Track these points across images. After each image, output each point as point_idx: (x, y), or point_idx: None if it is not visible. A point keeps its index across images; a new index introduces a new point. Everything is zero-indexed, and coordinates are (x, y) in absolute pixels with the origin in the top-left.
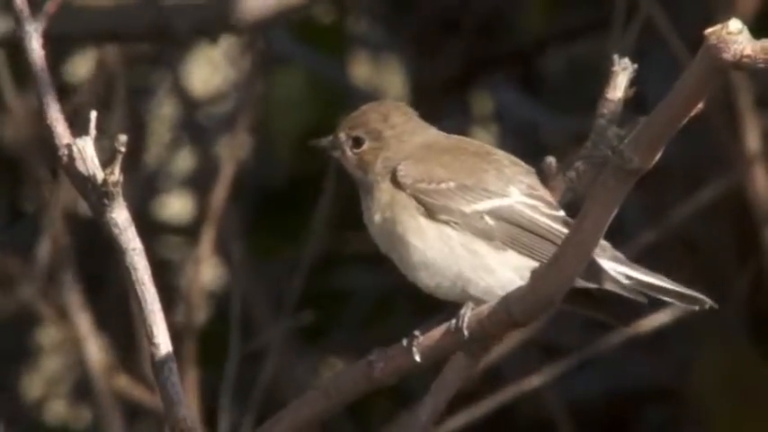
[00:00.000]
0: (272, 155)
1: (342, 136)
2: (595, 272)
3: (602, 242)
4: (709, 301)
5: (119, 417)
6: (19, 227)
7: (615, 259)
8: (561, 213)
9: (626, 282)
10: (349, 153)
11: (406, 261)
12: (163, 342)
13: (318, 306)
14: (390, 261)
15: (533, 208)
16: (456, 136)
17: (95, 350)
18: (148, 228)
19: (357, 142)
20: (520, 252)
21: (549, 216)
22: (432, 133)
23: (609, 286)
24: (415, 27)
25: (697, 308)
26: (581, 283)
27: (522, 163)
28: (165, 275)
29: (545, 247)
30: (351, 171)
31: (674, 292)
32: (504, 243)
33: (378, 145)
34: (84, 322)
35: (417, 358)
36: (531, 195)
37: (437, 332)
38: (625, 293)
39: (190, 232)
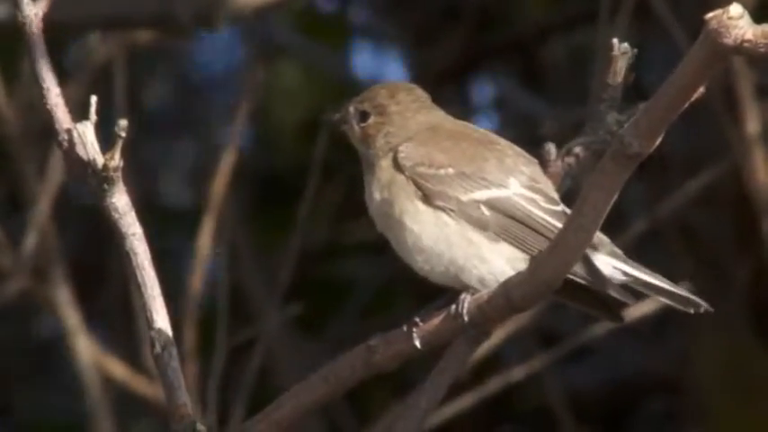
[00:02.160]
0: (273, 144)
1: (351, 110)
2: (592, 270)
3: (602, 237)
4: (704, 305)
5: (109, 410)
6: (17, 218)
7: (613, 255)
8: (560, 208)
9: (622, 278)
10: (355, 127)
11: (402, 244)
12: (163, 327)
13: (320, 295)
14: (392, 250)
15: (531, 201)
16: (462, 122)
17: (86, 344)
18: (149, 216)
19: (363, 116)
20: (513, 244)
21: (546, 210)
22: (438, 115)
23: (603, 287)
24: (415, 17)
25: (692, 311)
26: (578, 278)
27: (526, 154)
28: (165, 264)
29: (538, 241)
30: (356, 145)
31: (669, 292)
32: (498, 234)
33: (381, 120)
34: (73, 316)
35: (417, 344)
36: (531, 188)
37: (437, 318)
38: (616, 294)
39: (190, 221)
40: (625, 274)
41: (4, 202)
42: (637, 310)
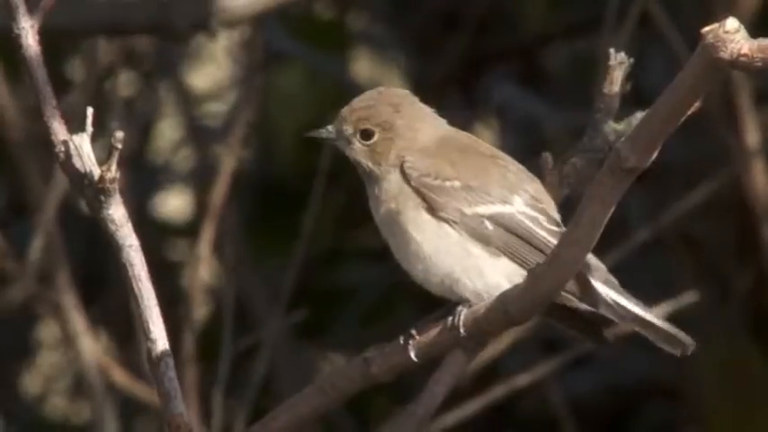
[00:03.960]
0: (273, 152)
1: (347, 128)
2: (587, 289)
3: (597, 263)
4: (691, 344)
5: (114, 416)
6: (20, 224)
7: (607, 283)
8: (561, 229)
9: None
10: (358, 145)
11: (403, 251)
12: (160, 338)
13: (320, 303)
14: (393, 257)
15: (534, 220)
16: (467, 133)
17: (90, 348)
18: (149, 226)
19: (366, 134)
20: (513, 260)
21: (547, 230)
22: (444, 125)
23: (596, 305)
24: (416, 23)
25: (678, 353)
26: (570, 296)
27: (527, 171)
28: (166, 273)
29: (539, 260)
30: (361, 162)
31: (657, 328)
32: (500, 249)
33: (389, 135)
34: (78, 320)
35: (413, 356)
36: (533, 207)
37: (434, 330)
38: (607, 314)
39: (191, 230)
40: (616, 304)
41: (9, 208)
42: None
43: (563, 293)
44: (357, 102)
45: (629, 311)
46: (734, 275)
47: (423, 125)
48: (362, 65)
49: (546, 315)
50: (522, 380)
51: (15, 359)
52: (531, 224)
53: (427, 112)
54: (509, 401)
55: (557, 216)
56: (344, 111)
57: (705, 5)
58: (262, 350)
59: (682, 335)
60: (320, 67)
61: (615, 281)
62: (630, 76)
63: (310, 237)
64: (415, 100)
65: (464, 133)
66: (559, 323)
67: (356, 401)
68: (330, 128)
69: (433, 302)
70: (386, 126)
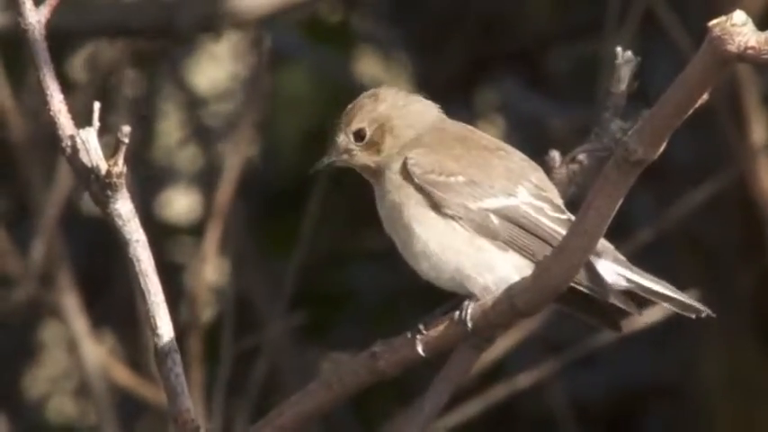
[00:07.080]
0: (278, 153)
1: (344, 139)
2: (595, 278)
3: (605, 243)
4: (706, 311)
5: (116, 418)
6: (24, 226)
7: (616, 261)
8: (566, 216)
9: (625, 284)
10: (356, 150)
11: (409, 249)
12: (166, 333)
13: (324, 304)
14: (397, 259)
15: (539, 210)
16: (466, 125)
17: (92, 350)
18: (155, 226)
19: (359, 135)
20: (520, 253)
21: (553, 219)
22: (441, 117)
23: (605, 295)
24: (420, 23)
25: (694, 316)
26: (581, 287)
27: (531, 161)
28: (172, 274)
29: (546, 250)
30: (362, 166)
31: (672, 298)
32: (507, 243)
33: (378, 123)
34: (80, 322)
35: (420, 350)
36: (538, 196)
37: (441, 324)
38: (618, 303)
39: (196, 230)
40: (628, 280)
41: (12, 210)
42: (641, 319)
43: (573, 285)
44: (347, 108)
45: (640, 285)
46: (738, 275)
47: (407, 104)
48: (367, 66)
49: (561, 303)
50: (525, 380)
51: (19, 361)
52: (536, 214)
53: (421, 102)
54: (511, 402)
55: (561, 203)
56: (340, 120)
57: (710, 4)
58: (264, 350)
59: (694, 302)
60: (325, 69)
61: (624, 258)
62: (637, 74)
63: (312, 238)
64: (406, 93)
65: (463, 125)
66: (575, 311)
67: (360, 400)
68: (325, 159)
69: (437, 301)
70: (378, 119)
